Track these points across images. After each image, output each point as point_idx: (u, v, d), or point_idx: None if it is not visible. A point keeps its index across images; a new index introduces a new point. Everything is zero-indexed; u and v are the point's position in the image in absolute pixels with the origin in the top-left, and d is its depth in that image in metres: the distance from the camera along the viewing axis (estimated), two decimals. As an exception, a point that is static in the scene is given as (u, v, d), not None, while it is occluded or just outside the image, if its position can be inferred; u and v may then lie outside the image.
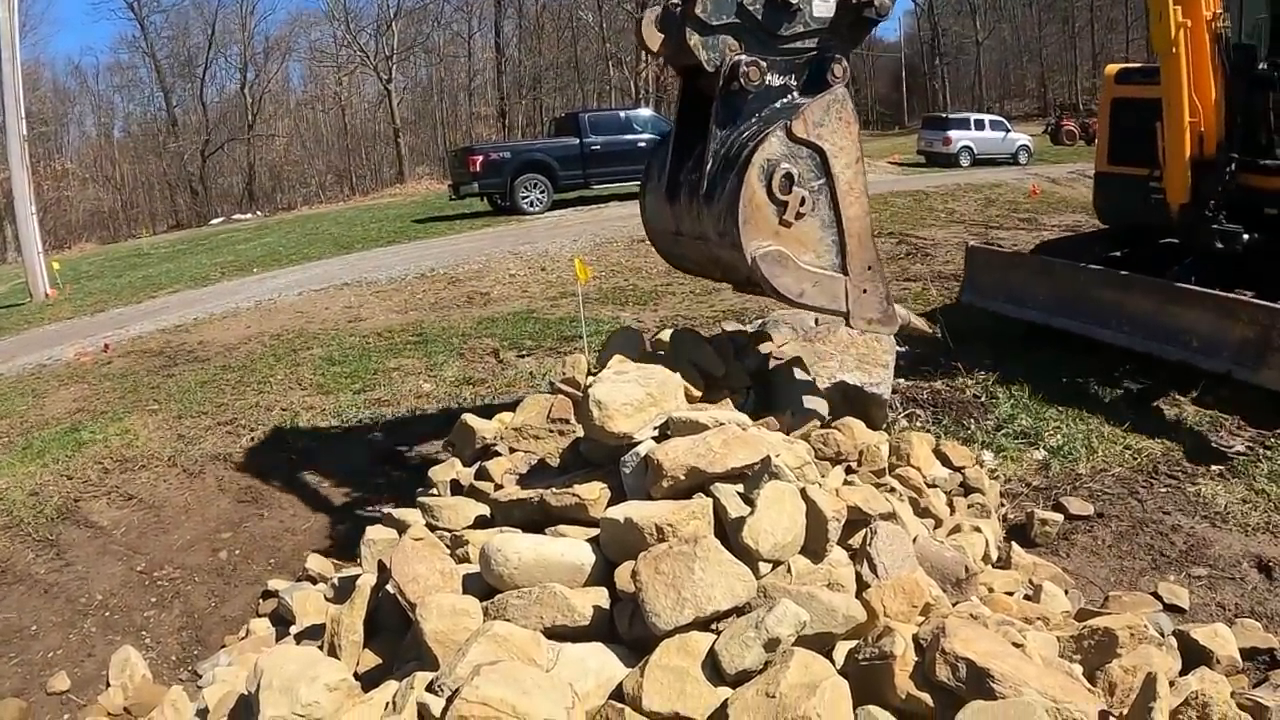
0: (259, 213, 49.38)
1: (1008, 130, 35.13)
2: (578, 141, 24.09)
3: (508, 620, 3.31)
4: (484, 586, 3.59)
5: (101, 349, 12.02)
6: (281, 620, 5.06)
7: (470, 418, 5.55)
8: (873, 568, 3.64)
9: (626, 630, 3.33)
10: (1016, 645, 3.03)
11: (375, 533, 4.78)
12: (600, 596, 3.48)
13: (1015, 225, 16.35)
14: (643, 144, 24.34)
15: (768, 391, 5.43)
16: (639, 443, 4.02)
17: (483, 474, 4.86)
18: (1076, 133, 40.54)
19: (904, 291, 10.89)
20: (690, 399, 4.74)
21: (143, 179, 63.12)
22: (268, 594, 5.63)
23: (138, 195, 62.89)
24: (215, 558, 6.25)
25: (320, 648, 3.74)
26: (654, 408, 4.08)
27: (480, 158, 23.34)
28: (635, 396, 4.03)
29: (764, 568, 3.49)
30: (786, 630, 3.00)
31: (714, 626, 3.16)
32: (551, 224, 20.43)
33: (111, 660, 5.11)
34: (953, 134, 33.51)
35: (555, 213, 22.64)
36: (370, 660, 3.70)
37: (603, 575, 3.59)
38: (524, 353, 9.65)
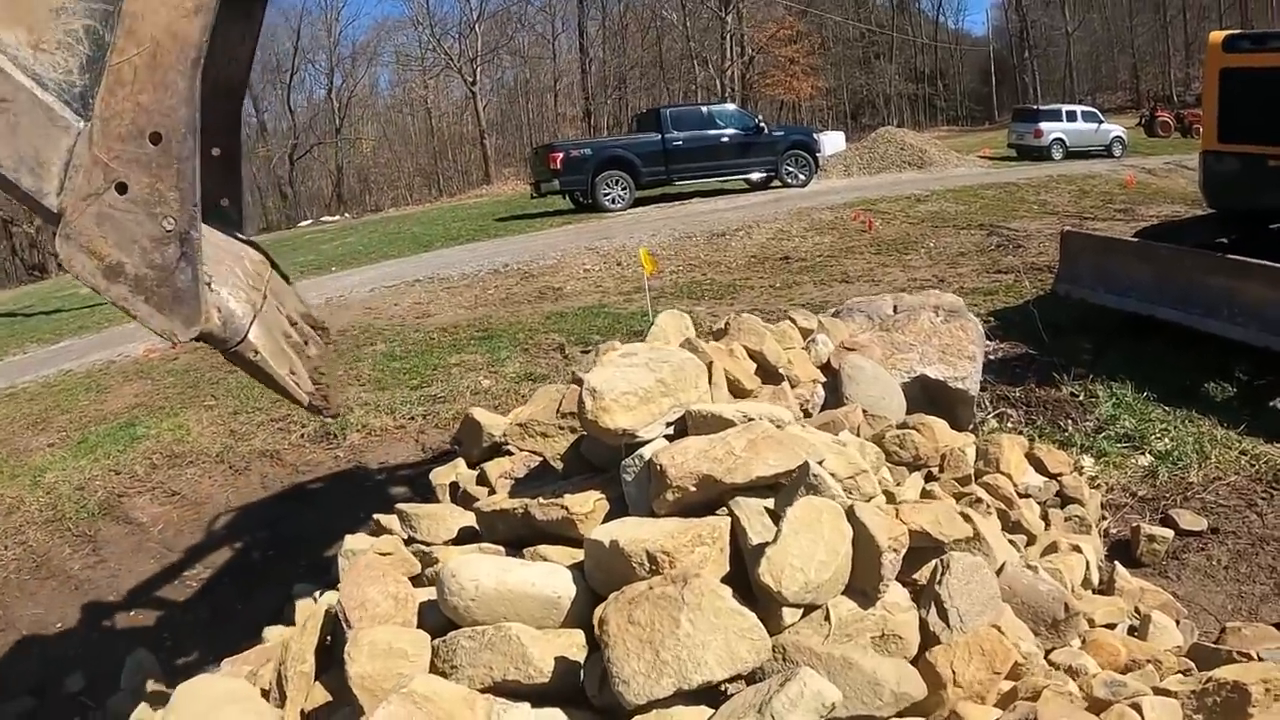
0: (347, 215, 50.11)
1: (1101, 121, 33.63)
2: (659, 137, 23.41)
3: (454, 667, 2.68)
4: (442, 619, 2.89)
5: (170, 345, 11.91)
6: (300, 626, 4.68)
7: (479, 412, 4.98)
8: (943, 615, 2.84)
9: (596, 694, 2.58)
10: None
11: (355, 542, 4.13)
12: (572, 644, 2.76)
13: (1111, 216, 15.51)
14: (726, 139, 23.82)
15: (837, 386, 4.89)
16: (646, 442, 3.21)
17: (483, 477, 4.30)
18: (1171, 124, 38.88)
19: (995, 284, 10.24)
20: (744, 393, 4.17)
21: (233, 183, 64.63)
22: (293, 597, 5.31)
23: (229, 200, 64.40)
24: (249, 558, 5.99)
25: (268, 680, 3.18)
26: (667, 398, 3.26)
27: (561, 155, 22.88)
28: (642, 384, 3.21)
29: (790, 614, 2.70)
30: (802, 716, 2.18)
31: (724, 688, 2.46)
32: (632, 220, 20.05)
33: (126, 663, 4.87)
34: (1044, 126, 32.16)
35: (637, 209, 22.20)
36: (321, 696, 3.06)
37: (585, 613, 2.81)
38: (589, 348, 9.23)
